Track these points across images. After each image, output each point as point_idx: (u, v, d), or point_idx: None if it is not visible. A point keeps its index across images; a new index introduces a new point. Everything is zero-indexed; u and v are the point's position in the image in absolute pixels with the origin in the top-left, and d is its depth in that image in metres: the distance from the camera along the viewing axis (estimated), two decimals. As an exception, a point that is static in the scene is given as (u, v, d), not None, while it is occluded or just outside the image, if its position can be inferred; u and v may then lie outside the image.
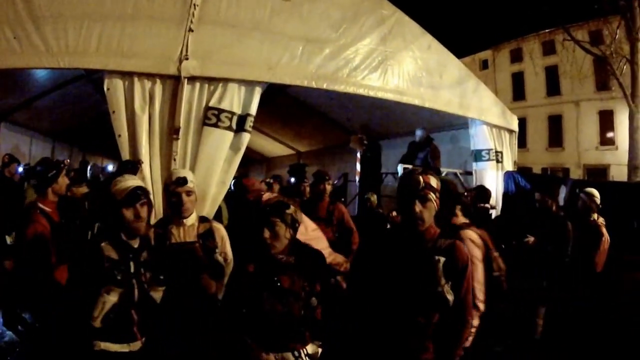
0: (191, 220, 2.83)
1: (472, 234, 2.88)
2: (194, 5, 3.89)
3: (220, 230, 2.94)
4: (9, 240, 3.91)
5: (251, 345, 2.30)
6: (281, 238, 2.33)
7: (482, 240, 2.92)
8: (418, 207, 2.02)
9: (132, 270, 2.24)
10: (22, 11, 3.68)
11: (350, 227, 4.19)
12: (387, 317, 2.05)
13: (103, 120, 3.84)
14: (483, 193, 4.88)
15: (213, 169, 3.70)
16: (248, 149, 4.17)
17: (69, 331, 2.26)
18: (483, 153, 5.67)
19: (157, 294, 2.34)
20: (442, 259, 1.99)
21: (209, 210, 3.68)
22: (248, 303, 2.35)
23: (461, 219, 3.01)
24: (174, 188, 2.76)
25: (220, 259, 2.79)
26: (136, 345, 2.27)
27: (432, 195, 2.05)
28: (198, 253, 2.74)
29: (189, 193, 2.78)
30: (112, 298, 2.15)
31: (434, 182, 2.08)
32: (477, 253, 2.83)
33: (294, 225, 2.38)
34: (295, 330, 2.33)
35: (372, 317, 2.11)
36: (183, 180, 2.76)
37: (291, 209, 2.37)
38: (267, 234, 2.31)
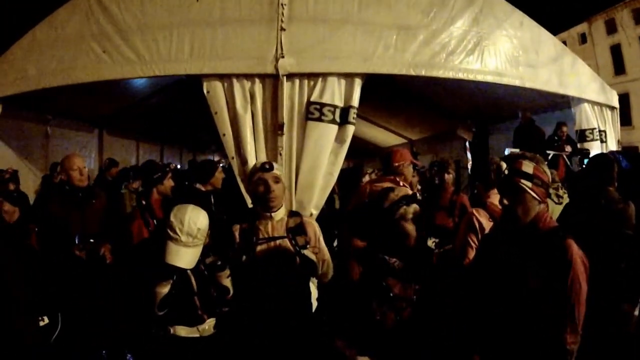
0: (280, 214, 2.54)
1: None
2: (282, 4, 3.93)
3: (312, 225, 2.67)
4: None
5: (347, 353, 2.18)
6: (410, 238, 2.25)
7: None
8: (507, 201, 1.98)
9: None
10: (106, 26, 3.91)
11: None
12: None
13: (208, 120, 3.96)
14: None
15: (320, 162, 3.74)
16: (361, 140, 4.14)
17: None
18: (587, 133, 5.29)
19: (223, 280, 2.44)
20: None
21: (317, 202, 3.76)
22: (355, 312, 2.25)
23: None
24: (260, 175, 2.48)
25: (310, 255, 2.53)
26: (206, 331, 2.45)
27: (524, 184, 1.93)
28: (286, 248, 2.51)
29: (276, 180, 2.48)
30: (163, 290, 2.35)
31: (527, 167, 1.94)
32: None
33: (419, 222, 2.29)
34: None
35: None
36: (269, 166, 2.50)
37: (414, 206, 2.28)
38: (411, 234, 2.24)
